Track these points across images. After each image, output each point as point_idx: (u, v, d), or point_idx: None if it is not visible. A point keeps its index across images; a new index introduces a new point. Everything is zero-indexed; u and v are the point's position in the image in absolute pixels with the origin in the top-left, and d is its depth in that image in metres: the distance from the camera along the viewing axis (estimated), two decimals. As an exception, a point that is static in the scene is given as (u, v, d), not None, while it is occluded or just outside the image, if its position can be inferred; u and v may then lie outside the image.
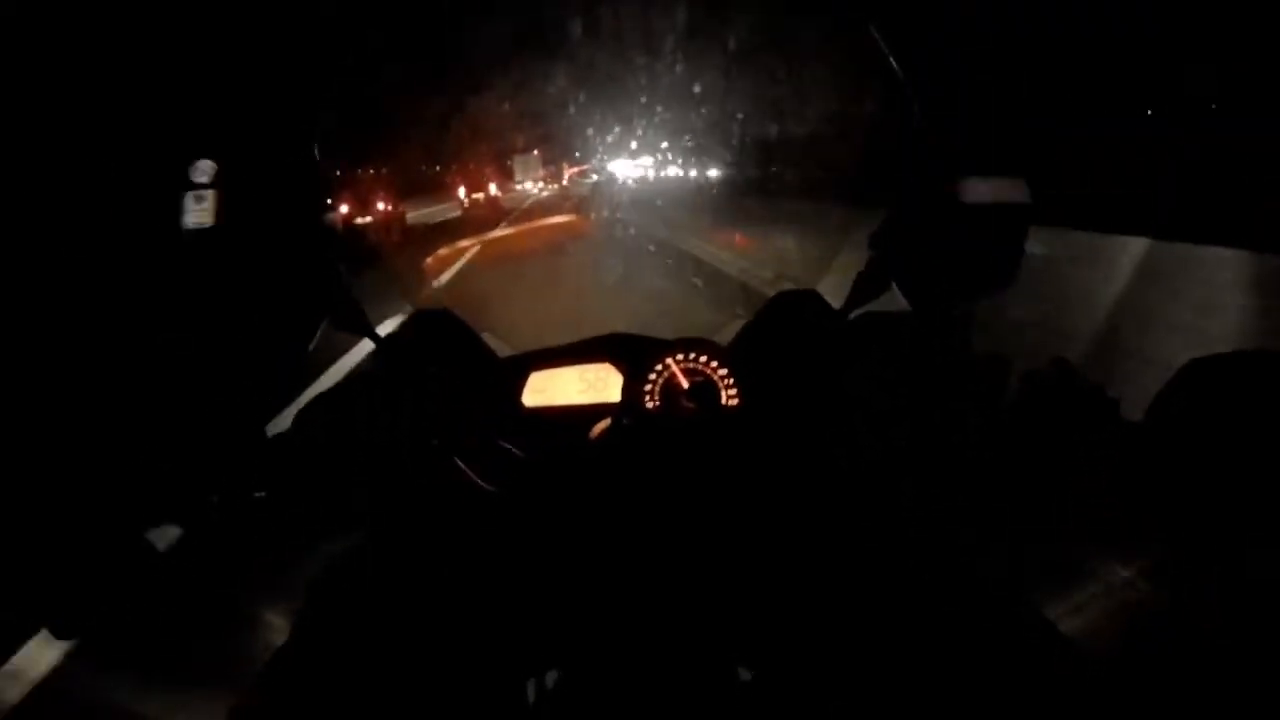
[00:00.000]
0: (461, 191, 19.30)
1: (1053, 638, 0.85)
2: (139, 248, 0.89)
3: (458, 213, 17.41)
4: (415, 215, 15.79)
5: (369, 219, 12.18)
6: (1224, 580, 0.71)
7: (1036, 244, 1.08)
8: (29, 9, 0.73)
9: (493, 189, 20.19)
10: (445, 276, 7.55)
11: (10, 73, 0.74)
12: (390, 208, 13.21)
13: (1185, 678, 0.75)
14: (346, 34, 1.00)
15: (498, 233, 12.75)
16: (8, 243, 0.77)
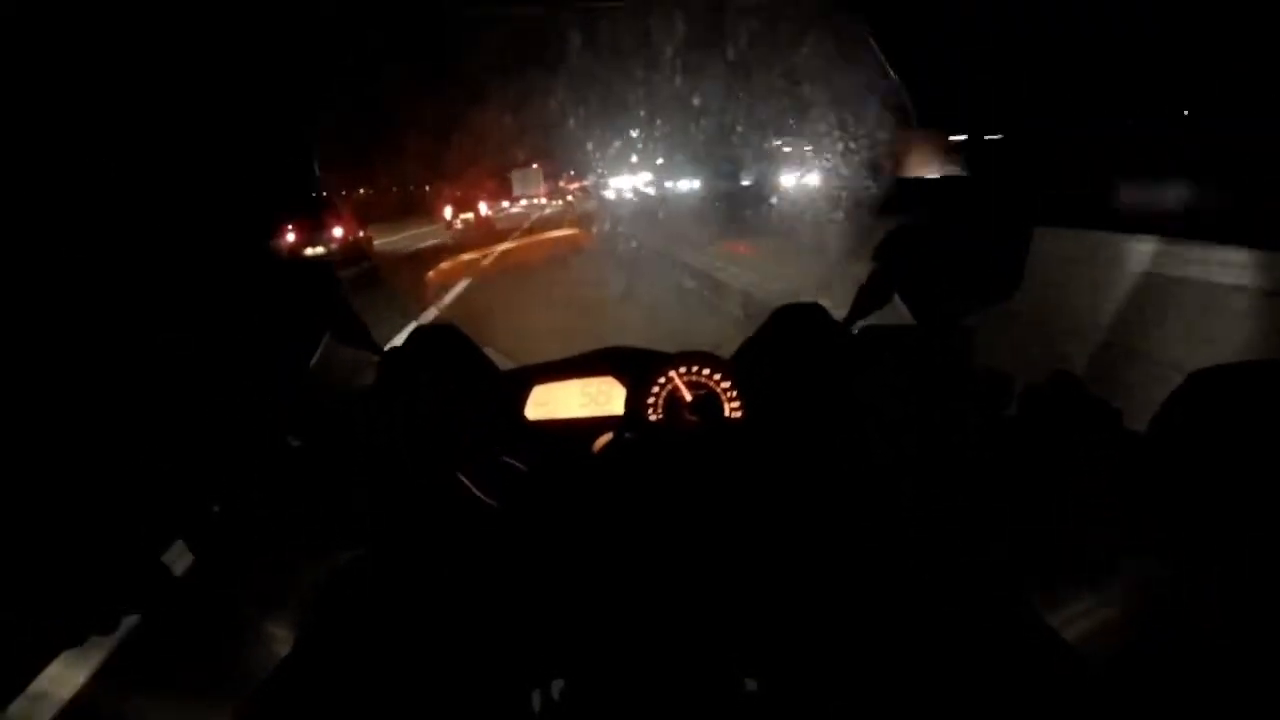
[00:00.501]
0: (448, 211, 16.80)
1: (1055, 642, 0.84)
2: (143, 255, 0.90)
3: (442, 238, 15.42)
4: (389, 241, 14.06)
5: (320, 249, 10.13)
6: (1224, 582, 0.70)
7: (1038, 247, 1.08)
8: (28, 8, 0.73)
9: (483, 208, 17.89)
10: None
11: (10, 73, 0.74)
12: (349, 235, 11.01)
13: (1185, 679, 0.74)
14: (341, 42, 1.00)
15: (501, 247, 11.98)
16: (10, 245, 0.77)
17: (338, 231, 10.49)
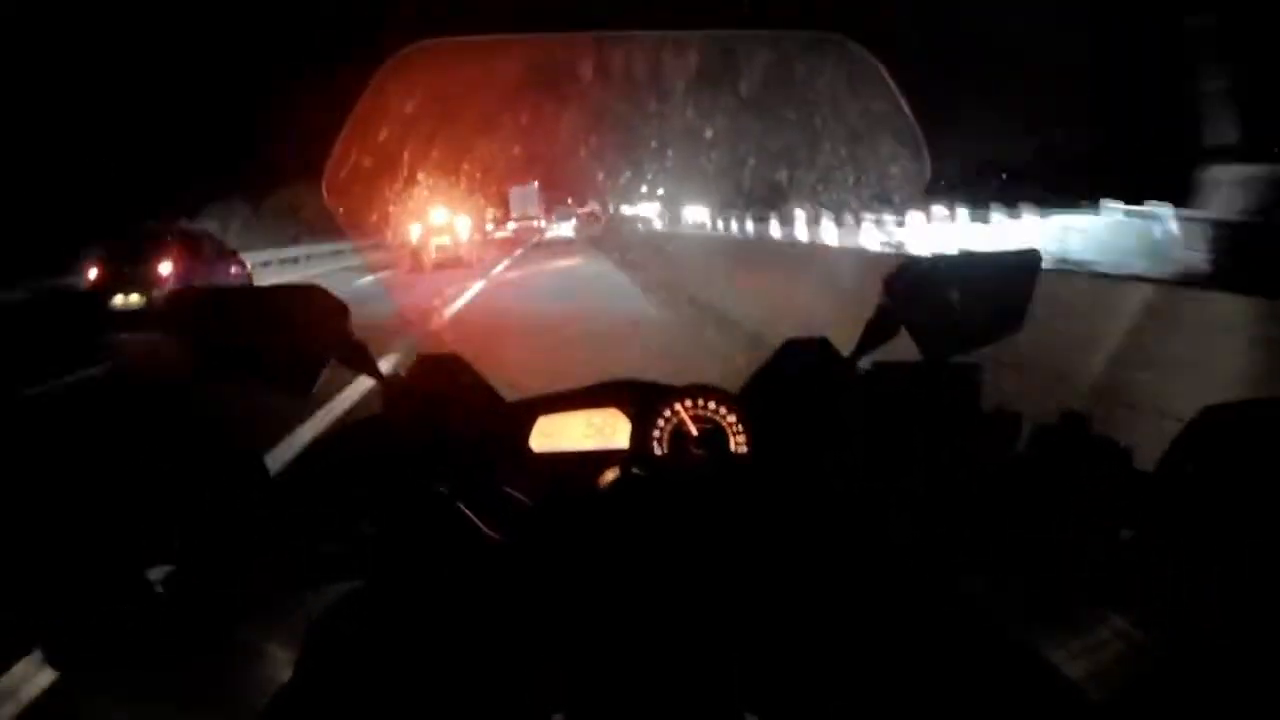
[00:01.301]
0: (414, 232, 11.32)
1: (1059, 683, 0.83)
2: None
3: (393, 271, 10.74)
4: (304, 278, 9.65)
5: (135, 298, 6.70)
6: (1229, 626, 0.69)
7: (1044, 290, 1.08)
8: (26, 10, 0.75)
9: (463, 231, 11.93)
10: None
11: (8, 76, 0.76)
12: (186, 274, 7.01)
13: (1186, 684, 0.73)
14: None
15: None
16: (9, 247, 0.79)
17: (165, 269, 7.38)
